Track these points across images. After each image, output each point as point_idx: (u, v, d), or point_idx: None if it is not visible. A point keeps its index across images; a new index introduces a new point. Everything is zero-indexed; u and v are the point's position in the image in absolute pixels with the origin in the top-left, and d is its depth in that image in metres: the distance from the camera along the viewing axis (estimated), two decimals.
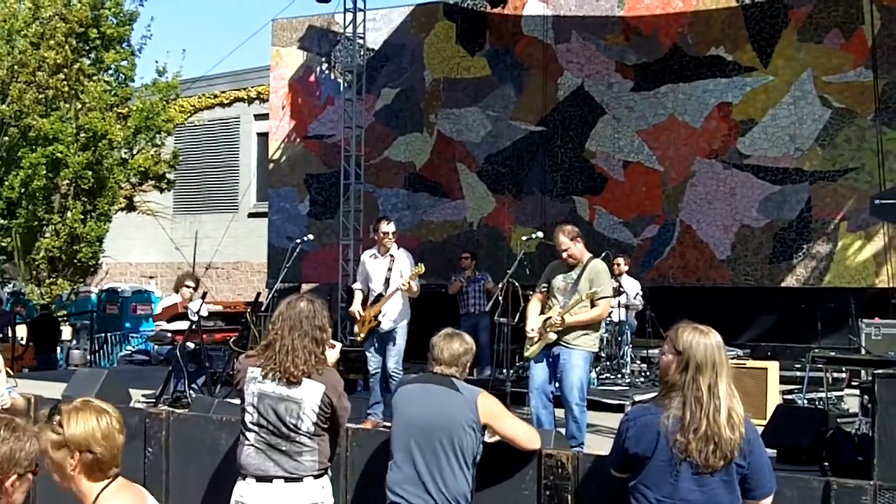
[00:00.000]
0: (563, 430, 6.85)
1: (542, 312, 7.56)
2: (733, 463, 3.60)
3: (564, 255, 7.53)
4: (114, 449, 3.16)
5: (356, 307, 9.10)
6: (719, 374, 3.65)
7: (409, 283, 8.74)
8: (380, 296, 8.94)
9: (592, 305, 7.41)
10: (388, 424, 8.34)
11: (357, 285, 9.41)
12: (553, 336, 7.34)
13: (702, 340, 3.69)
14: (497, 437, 4.58)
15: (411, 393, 4.55)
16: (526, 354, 7.67)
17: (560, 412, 7.49)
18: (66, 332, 18.15)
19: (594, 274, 7.43)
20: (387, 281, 8.93)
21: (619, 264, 11.72)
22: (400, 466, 4.42)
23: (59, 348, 16.76)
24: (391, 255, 9.05)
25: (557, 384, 7.43)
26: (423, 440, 4.37)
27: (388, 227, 9.16)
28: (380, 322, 8.90)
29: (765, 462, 3.74)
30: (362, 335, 8.98)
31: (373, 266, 9.18)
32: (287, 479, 4.25)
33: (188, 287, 10.58)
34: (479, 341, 11.35)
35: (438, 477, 4.33)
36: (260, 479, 4.26)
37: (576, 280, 7.43)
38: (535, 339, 7.44)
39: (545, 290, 7.65)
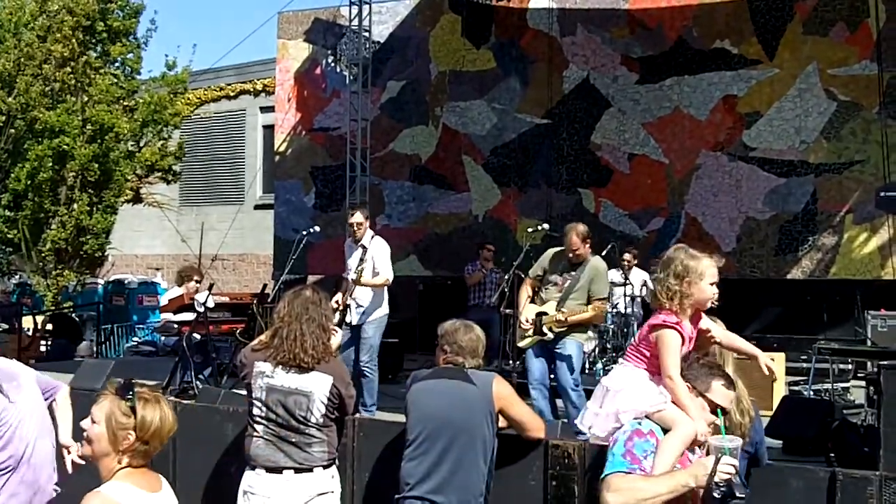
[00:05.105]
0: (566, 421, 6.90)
1: (532, 299, 7.70)
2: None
3: (572, 255, 7.70)
4: (158, 450, 3.15)
5: (338, 296, 8.97)
6: (724, 362, 3.73)
7: (359, 276, 8.67)
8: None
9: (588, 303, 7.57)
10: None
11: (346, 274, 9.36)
12: (552, 336, 7.53)
13: None
14: (502, 423, 4.57)
15: (427, 388, 4.49)
16: (519, 344, 7.80)
17: (561, 403, 7.61)
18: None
19: (595, 274, 7.62)
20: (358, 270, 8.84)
21: (628, 260, 11.70)
22: (416, 462, 4.36)
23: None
24: (363, 246, 8.95)
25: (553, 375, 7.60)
26: (441, 437, 4.33)
27: (352, 219, 9.04)
28: (347, 310, 8.79)
29: (764, 450, 4.08)
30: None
31: (350, 255, 9.14)
32: (297, 470, 4.27)
33: (195, 282, 10.63)
34: (491, 334, 11.34)
35: (455, 474, 4.28)
36: (270, 469, 4.28)
37: (576, 278, 7.58)
38: (529, 331, 7.59)
39: (539, 277, 7.79)
